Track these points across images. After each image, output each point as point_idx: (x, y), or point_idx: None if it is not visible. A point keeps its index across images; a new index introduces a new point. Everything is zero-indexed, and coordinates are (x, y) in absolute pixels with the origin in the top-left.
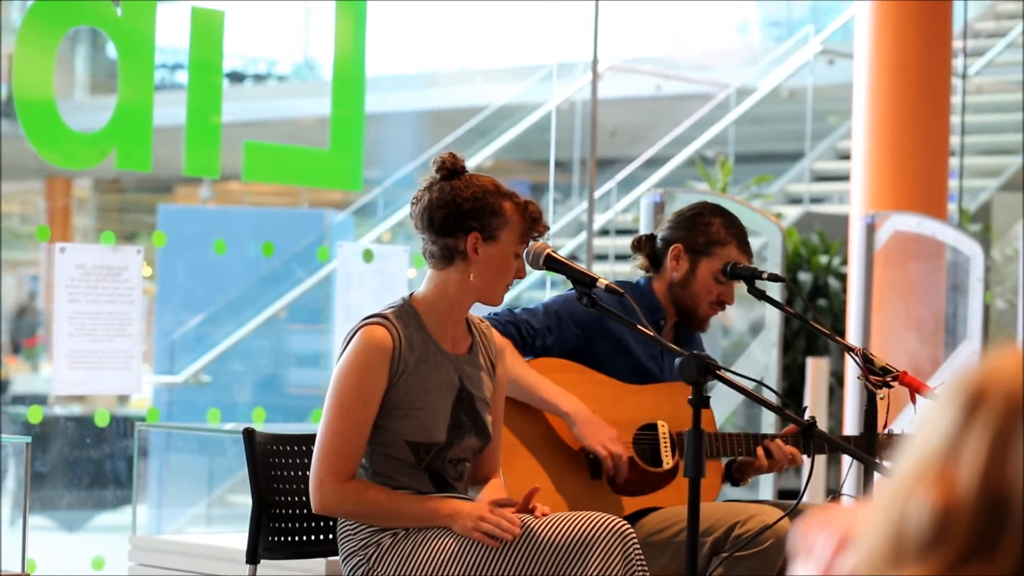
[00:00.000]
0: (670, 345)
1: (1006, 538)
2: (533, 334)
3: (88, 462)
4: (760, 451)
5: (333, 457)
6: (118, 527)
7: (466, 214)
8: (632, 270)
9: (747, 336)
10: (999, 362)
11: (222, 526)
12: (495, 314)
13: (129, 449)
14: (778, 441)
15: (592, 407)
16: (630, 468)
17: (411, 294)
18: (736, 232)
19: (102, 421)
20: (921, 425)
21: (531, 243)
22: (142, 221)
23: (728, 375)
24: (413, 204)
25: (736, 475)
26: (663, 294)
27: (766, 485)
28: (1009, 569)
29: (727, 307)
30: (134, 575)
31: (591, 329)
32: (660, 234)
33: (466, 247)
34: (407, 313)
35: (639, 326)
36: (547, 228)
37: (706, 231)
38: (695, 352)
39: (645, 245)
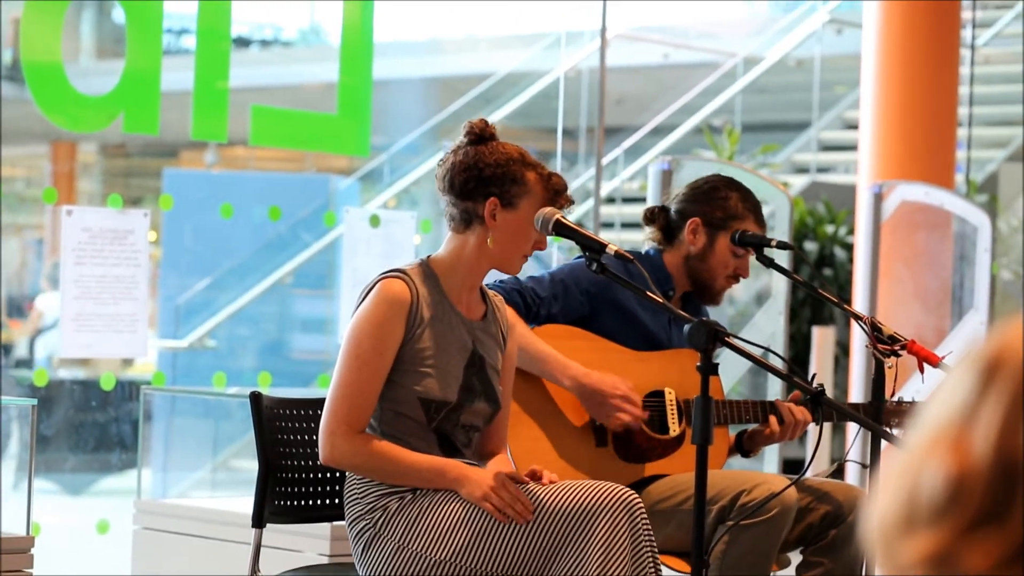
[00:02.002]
0: (679, 311)
1: (1018, 505)
2: (539, 302)
3: (93, 425)
4: (772, 418)
5: (346, 407)
6: (123, 491)
7: (487, 179)
8: (643, 240)
9: (752, 306)
10: (1016, 331)
11: (227, 490)
12: (501, 281)
13: (134, 413)
14: (789, 405)
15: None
16: (637, 435)
17: (428, 256)
18: (752, 206)
19: (108, 385)
20: (937, 392)
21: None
22: (147, 186)
23: (737, 342)
24: (439, 166)
25: (747, 446)
26: (675, 266)
27: (771, 455)
28: (1020, 535)
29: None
30: (139, 539)
31: (597, 298)
32: (674, 206)
33: (484, 212)
34: (425, 272)
35: (648, 292)
36: (571, 202)
37: (724, 205)
38: (704, 319)
39: (658, 217)
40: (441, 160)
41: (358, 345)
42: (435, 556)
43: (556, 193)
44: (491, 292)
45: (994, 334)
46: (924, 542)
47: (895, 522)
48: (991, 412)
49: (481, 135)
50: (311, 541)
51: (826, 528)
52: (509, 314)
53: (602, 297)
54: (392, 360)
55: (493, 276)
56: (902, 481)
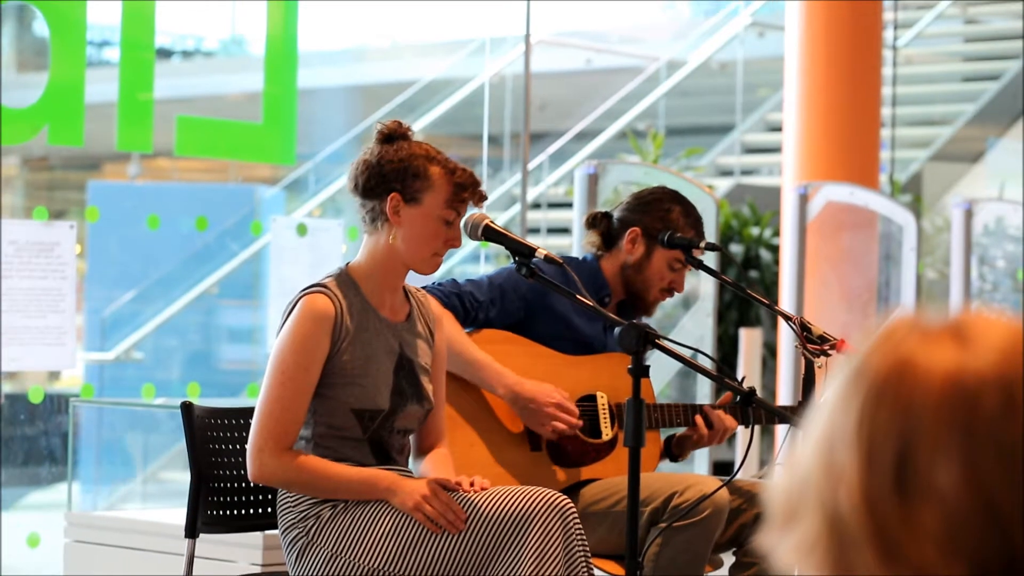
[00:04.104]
0: (610, 315)
1: (804, 509)
2: (477, 306)
3: (22, 439)
4: (699, 419)
5: (273, 424)
6: (53, 504)
7: (387, 175)
8: (584, 244)
9: (679, 309)
10: (878, 339)
11: (157, 502)
12: (439, 284)
13: (63, 426)
14: (718, 411)
15: (531, 379)
16: (571, 439)
17: (347, 263)
18: (694, 221)
19: (36, 398)
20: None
21: (467, 212)
22: (71, 199)
23: (667, 344)
24: (350, 168)
25: (675, 450)
26: (611, 273)
27: (701, 457)
28: (808, 534)
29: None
30: (70, 552)
31: (534, 303)
32: (616, 214)
33: (387, 208)
34: (345, 282)
35: (579, 296)
36: (483, 196)
37: (665, 217)
38: (634, 321)
39: (600, 223)
40: (352, 163)
41: (283, 362)
42: (368, 564)
43: (461, 188)
44: (413, 287)
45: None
46: (798, 536)
47: (776, 516)
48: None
49: (391, 135)
50: (244, 551)
51: (759, 529)
52: (434, 307)
53: (538, 303)
54: (318, 376)
55: (421, 280)
56: (785, 476)
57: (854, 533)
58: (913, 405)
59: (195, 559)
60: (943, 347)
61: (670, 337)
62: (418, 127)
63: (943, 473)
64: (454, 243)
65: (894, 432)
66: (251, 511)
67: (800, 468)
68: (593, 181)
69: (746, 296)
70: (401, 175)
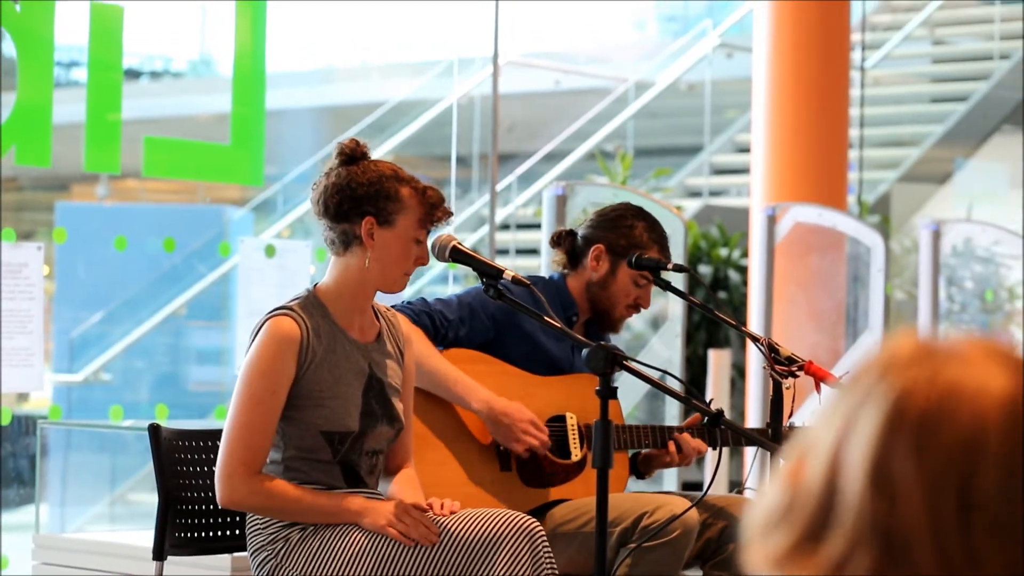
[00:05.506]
0: (578, 336)
1: (833, 529)
2: (447, 325)
3: None
4: (671, 445)
5: (242, 449)
6: (21, 526)
7: (361, 199)
8: (550, 263)
9: (648, 330)
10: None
11: (125, 524)
12: (408, 303)
13: (31, 447)
14: (685, 434)
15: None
16: (540, 460)
17: (315, 285)
18: (658, 237)
19: (4, 419)
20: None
21: (435, 230)
22: (39, 220)
23: (635, 365)
24: (312, 191)
25: (641, 467)
26: (578, 291)
27: (670, 477)
28: (830, 564)
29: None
30: (38, 574)
31: (503, 322)
32: (581, 232)
33: (362, 232)
34: (312, 303)
35: (546, 317)
36: (450, 214)
37: (629, 234)
38: (602, 343)
39: (565, 241)
40: (314, 184)
41: (250, 386)
42: None
43: (432, 207)
44: (382, 307)
45: (871, 358)
46: (767, 549)
47: (757, 524)
48: (830, 429)
49: (352, 155)
50: (212, 573)
51: (724, 543)
52: (404, 327)
53: (507, 322)
54: (285, 397)
55: (390, 299)
56: (774, 485)
57: (920, 564)
58: (974, 433)
59: None
60: (987, 369)
61: (638, 358)
62: (387, 148)
63: (1011, 502)
64: (422, 261)
65: (954, 464)
66: (219, 533)
67: (818, 488)
68: (562, 202)
69: (714, 317)
70: (374, 198)
